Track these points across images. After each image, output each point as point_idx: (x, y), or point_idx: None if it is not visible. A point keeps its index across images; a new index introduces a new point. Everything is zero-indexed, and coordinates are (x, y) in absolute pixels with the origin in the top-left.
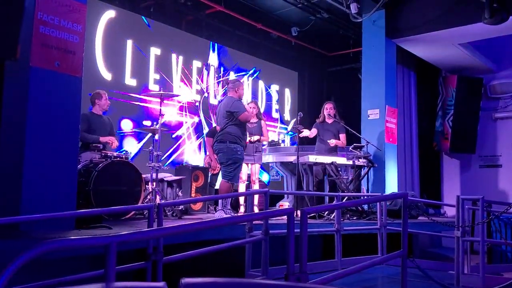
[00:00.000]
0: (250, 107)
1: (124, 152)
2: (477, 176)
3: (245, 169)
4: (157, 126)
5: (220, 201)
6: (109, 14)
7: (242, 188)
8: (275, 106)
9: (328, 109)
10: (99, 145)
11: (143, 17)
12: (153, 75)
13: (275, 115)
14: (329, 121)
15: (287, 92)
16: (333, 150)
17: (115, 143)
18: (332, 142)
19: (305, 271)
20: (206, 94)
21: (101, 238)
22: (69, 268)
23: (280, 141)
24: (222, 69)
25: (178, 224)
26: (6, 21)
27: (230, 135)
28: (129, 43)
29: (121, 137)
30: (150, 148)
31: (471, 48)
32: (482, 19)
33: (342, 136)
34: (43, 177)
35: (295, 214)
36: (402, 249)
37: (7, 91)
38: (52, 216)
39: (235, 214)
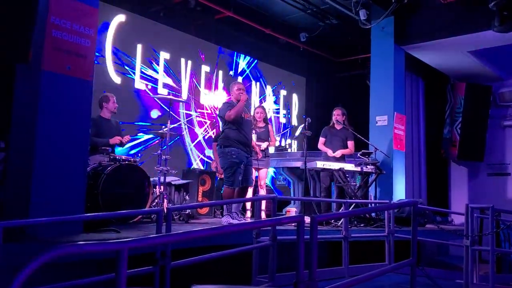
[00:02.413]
0: (257, 112)
1: (133, 155)
2: (485, 184)
3: (253, 174)
4: (166, 130)
5: (224, 206)
6: (120, 18)
7: (249, 193)
8: (282, 111)
9: (336, 115)
10: (108, 148)
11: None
12: (162, 79)
13: (282, 120)
14: (338, 127)
15: (295, 97)
16: (343, 157)
17: (126, 138)
18: (338, 153)
19: (315, 279)
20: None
21: (112, 244)
22: (75, 270)
23: (287, 146)
24: (231, 74)
25: (188, 230)
26: (18, 25)
27: (225, 139)
28: (139, 47)
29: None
30: (159, 151)
31: (480, 55)
32: (492, 26)
33: (350, 143)
34: (52, 180)
35: None
36: (412, 258)
37: (18, 94)
38: (60, 219)
39: (241, 218)
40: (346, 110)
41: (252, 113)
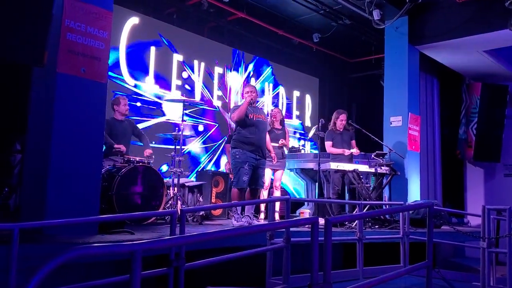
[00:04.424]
0: (274, 112)
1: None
2: (502, 185)
3: (268, 175)
4: (179, 132)
5: (234, 208)
6: (133, 20)
7: (264, 194)
8: (295, 112)
9: (342, 120)
10: (122, 149)
11: (160, 34)
12: (175, 81)
13: (296, 121)
14: (341, 129)
15: (308, 98)
16: (351, 158)
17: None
18: (357, 151)
19: (329, 281)
20: (227, 100)
21: (127, 246)
22: (90, 270)
23: (301, 147)
24: (243, 75)
25: (202, 232)
26: (34, 28)
27: (233, 140)
28: (152, 49)
29: None
30: (172, 153)
31: (496, 55)
32: (508, 25)
33: (354, 143)
34: (68, 182)
35: None
36: (427, 260)
37: (34, 97)
38: (75, 221)
39: (254, 220)
40: (360, 111)
41: (267, 114)
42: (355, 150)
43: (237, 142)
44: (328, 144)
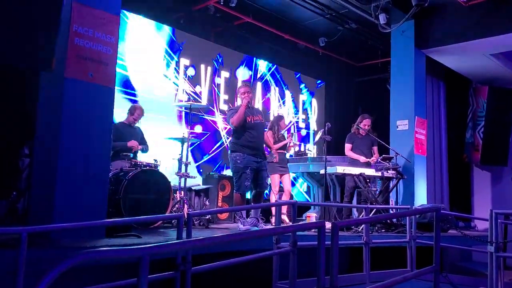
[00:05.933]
0: (281, 123)
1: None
2: (509, 189)
3: (277, 180)
4: (186, 136)
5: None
6: (140, 25)
7: (274, 199)
8: (301, 116)
9: (367, 125)
10: (129, 153)
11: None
12: (182, 86)
13: (302, 125)
14: (363, 133)
15: (314, 102)
16: (369, 164)
17: (137, 147)
18: (374, 160)
19: (336, 285)
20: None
21: (135, 250)
22: (96, 273)
23: (307, 151)
24: (250, 79)
25: (209, 236)
26: (42, 33)
27: (232, 144)
28: (160, 53)
29: None
30: (179, 157)
31: (503, 58)
32: None
33: (376, 149)
34: (75, 186)
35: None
36: (435, 264)
37: (42, 101)
38: (83, 225)
39: (254, 222)
40: (367, 115)
41: (271, 120)
42: (372, 159)
43: (237, 146)
44: (347, 146)
